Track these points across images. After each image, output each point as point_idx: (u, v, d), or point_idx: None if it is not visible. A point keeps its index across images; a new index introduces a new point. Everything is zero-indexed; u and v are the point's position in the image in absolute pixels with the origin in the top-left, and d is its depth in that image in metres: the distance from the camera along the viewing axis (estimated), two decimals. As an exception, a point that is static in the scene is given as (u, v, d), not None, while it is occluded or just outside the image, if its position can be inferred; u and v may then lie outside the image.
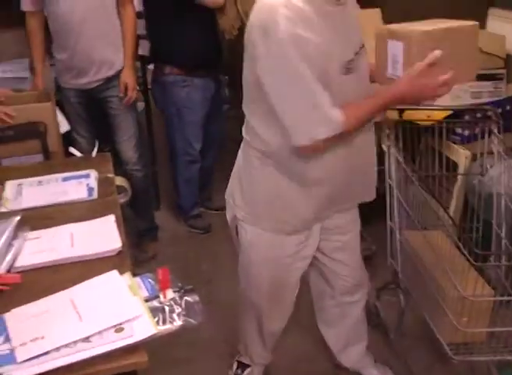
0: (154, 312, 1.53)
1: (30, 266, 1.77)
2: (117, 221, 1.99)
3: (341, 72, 1.81)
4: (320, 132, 1.76)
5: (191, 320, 1.54)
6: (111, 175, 2.35)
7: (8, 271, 1.72)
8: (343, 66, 1.81)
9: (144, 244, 3.68)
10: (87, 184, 2.26)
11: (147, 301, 1.57)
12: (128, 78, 3.19)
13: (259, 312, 2.35)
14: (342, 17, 1.86)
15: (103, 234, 1.91)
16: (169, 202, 4.31)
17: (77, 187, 2.25)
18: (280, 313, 2.39)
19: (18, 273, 1.70)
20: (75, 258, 1.81)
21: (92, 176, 2.31)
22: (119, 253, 1.83)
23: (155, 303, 1.57)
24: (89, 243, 1.87)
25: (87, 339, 1.42)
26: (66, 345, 1.40)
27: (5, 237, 1.76)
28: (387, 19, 3.15)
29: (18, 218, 1.90)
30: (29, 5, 3.16)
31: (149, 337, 1.44)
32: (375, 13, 3.31)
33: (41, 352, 1.38)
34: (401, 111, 2.63)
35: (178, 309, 1.56)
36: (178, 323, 1.52)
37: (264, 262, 2.17)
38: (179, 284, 1.63)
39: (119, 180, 2.38)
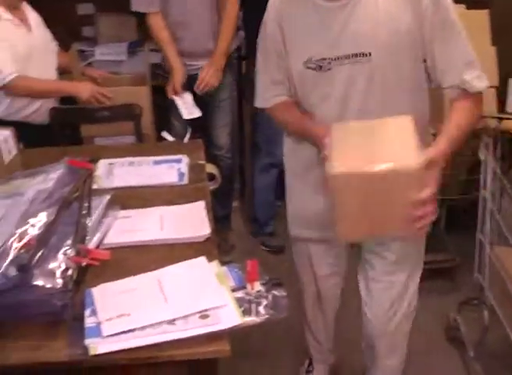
0: (240, 302, 1.50)
1: (118, 244, 1.77)
2: (206, 208, 1.98)
3: (305, 66, 1.86)
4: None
5: (277, 314, 1.50)
6: (202, 162, 2.34)
7: (97, 247, 1.73)
8: (310, 61, 1.84)
9: (224, 233, 3.67)
10: (178, 169, 2.25)
11: (233, 291, 1.54)
12: (210, 77, 3.14)
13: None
14: (338, 15, 1.79)
15: (192, 220, 1.90)
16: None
17: (168, 171, 2.25)
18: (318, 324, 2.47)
19: (106, 249, 1.71)
20: (163, 240, 1.81)
21: (184, 162, 2.30)
22: (207, 240, 1.81)
23: (241, 294, 1.54)
24: (178, 227, 1.87)
25: (172, 321, 1.40)
26: (151, 325, 1.39)
27: (96, 214, 1.76)
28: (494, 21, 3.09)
29: (109, 196, 1.90)
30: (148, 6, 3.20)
31: (234, 326, 1.42)
32: (482, 15, 3.20)
33: (127, 329, 1.37)
34: (500, 119, 2.55)
35: (264, 302, 1.53)
36: (263, 316, 1.49)
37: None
38: (267, 277, 1.60)
39: (210, 167, 2.37)
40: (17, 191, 1.68)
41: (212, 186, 2.33)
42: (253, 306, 1.51)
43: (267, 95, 2.05)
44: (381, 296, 2.20)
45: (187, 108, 2.49)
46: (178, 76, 3.07)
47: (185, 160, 2.32)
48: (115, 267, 1.66)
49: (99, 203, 1.83)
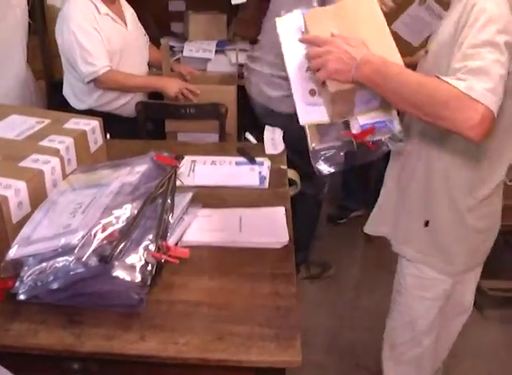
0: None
1: (196, 243, 1.77)
2: (286, 214, 1.95)
3: None
4: None
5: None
6: (284, 167, 2.32)
7: (176, 244, 1.73)
8: None
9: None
10: (260, 172, 2.24)
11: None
12: None
13: None
14: None
15: (271, 225, 1.89)
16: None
17: (250, 173, 2.24)
18: None
19: (184, 246, 1.71)
20: (241, 243, 1.80)
21: (265, 165, 2.29)
22: (285, 247, 1.80)
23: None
24: (257, 231, 1.86)
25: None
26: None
27: (178, 210, 1.76)
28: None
29: (191, 194, 1.90)
30: None
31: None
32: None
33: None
34: None
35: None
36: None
37: None
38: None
39: (291, 173, 2.34)
40: (103, 181, 1.69)
41: (292, 192, 2.29)
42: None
43: None
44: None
45: (273, 143, 2.46)
46: None
47: (267, 164, 2.31)
48: (191, 266, 1.67)
49: (181, 200, 1.83)
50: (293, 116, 2.88)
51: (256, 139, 2.59)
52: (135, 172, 1.70)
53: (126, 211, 1.50)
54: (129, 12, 3.06)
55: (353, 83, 1.53)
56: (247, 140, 2.61)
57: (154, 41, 3.92)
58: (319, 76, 1.55)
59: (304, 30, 1.65)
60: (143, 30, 3.19)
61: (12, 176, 1.69)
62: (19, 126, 2.05)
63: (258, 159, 2.33)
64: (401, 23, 2.78)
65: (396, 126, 1.63)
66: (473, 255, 1.91)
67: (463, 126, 1.39)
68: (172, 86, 2.85)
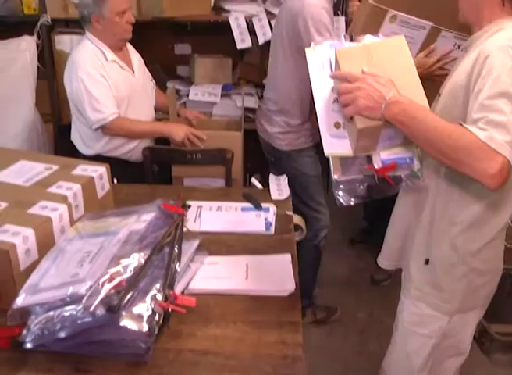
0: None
1: (203, 291, 1.77)
2: (292, 261, 1.96)
3: None
4: None
5: None
6: (290, 212, 2.33)
7: (183, 292, 1.73)
8: None
9: None
10: (266, 218, 2.25)
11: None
12: None
13: None
14: None
15: (278, 272, 1.89)
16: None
17: (256, 219, 2.25)
18: None
19: (191, 294, 1.71)
20: (247, 291, 1.80)
21: (271, 211, 2.30)
22: (291, 295, 1.80)
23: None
24: (263, 278, 1.86)
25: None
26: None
27: (185, 258, 1.77)
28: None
29: (198, 241, 1.91)
30: None
31: None
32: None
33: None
34: None
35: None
36: None
37: None
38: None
39: (296, 219, 2.35)
40: (110, 229, 1.70)
41: (298, 237, 2.30)
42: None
43: None
44: None
45: (279, 189, 2.49)
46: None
47: (272, 209, 2.32)
48: (198, 314, 1.68)
49: (188, 248, 1.84)
50: (291, 154, 2.94)
51: (262, 182, 2.61)
52: (142, 220, 1.71)
53: (134, 260, 1.51)
54: (136, 58, 3.10)
55: (381, 121, 1.57)
56: (252, 185, 2.62)
57: (161, 84, 3.98)
58: (348, 112, 1.59)
59: (334, 65, 1.69)
60: (149, 75, 3.24)
61: (20, 224, 1.71)
62: (27, 172, 2.07)
63: (264, 205, 2.34)
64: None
65: (416, 164, 1.68)
66: (471, 296, 1.91)
67: (483, 174, 1.45)
68: (178, 132, 2.88)
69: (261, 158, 3.31)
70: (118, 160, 2.91)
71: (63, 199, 1.88)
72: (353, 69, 1.62)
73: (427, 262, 1.90)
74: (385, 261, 2.19)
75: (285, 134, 2.96)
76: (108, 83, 2.83)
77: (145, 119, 3.05)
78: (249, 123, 3.50)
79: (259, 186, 2.59)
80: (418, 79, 1.64)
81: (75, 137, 3.09)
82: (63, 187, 1.96)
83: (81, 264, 1.54)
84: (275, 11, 3.71)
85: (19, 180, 2.01)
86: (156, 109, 3.24)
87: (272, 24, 3.66)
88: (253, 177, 2.61)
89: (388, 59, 1.65)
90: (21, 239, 1.64)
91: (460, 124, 1.51)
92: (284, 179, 2.60)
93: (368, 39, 1.76)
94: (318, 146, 2.72)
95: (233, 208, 2.34)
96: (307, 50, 1.75)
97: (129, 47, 3.11)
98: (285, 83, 2.89)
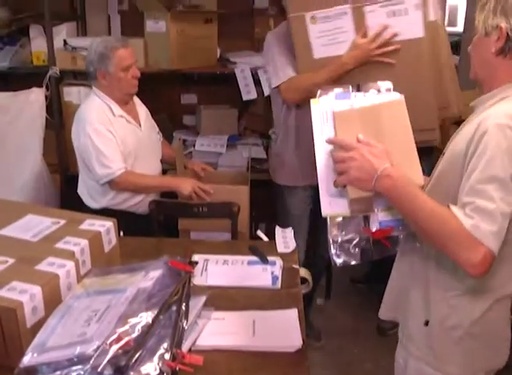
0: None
1: (210, 347, 1.77)
2: (299, 316, 1.95)
3: None
4: None
5: None
6: (296, 266, 2.33)
7: (190, 349, 1.73)
8: None
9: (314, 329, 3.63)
10: (272, 272, 2.25)
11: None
12: None
13: None
14: None
15: (284, 328, 1.88)
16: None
17: (262, 273, 2.25)
18: None
19: (198, 351, 1.70)
20: (254, 347, 1.79)
21: (277, 265, 2.30)
22: (298, 351, 1.79)
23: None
24: (270, 334, 1.85)
25: None
26: None
27: (192, 316, 1.77)
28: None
29: (205, 297, 1.91)
30: None
31: None
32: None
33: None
34: None
35: None
36: None
37: None
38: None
39: (303, 272, 2.35)
40: (117, 286, 1.71)
41: (304, 290, 2.29)
42: None
43: None
44: None
45: (285, 242, 2.51)
46: None
47: (279, 263, 2.32)
48: (205, 371, 1.65)
49: (195, 304, 1.84)
50: (285, 189, 2.98)
51: (267, 233, 2.62)
52: (149, 277, 1.71)
53: (142, 319, 1.51)
54: (143, 111, 3.15)
55: (372, 192, 1.59)
56: (258, 237, 2.63)
57: (167, 134, 4.02)
58: (341, 181, 1.62)
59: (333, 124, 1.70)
60: (156, 127, 3.27)
61: (27, 281, 1.71)
62: (35, 226, 2.08)
63: (270, 258, 2.35)
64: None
65: None
66: (470, 360, 1.86)
67: (465, 263, 1.48)
68: (185, 186, 2.90)
69: (266, 207, 3.34)
70: (124, 212, 2.93)
71: (71, 255, 1.89)
72: (350, 133, 1.63)
73: (426, 323, 1.86)
74: (384, 312, 2.13)
75: (279, 169, 3.24)
76: (115, 138, 2.86)
77: (152, 172, 3.08)
78: (255, 173, 3.52)
79: (265, 238, 2.60)
80: (414, 146, 1.65)
81: (82, 191, 3.11)
82: (71, 243, 1.96)
83: (88, 323, 1.54)
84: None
85: (26, 234, 2.02)
86: (162, 161, 3.26)
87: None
88: (258, 230, 2.62)
89: (385, 124, 1.66)
90: (28, 297, 1.63)
91: (448, 206, 1.52)
92: (290, 231, 2.61)
93: (371, 91, 1.77)
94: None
95: (240, 262, 2.34)
96: (312, 101, 1.75)
97: (136, 100, 3.15)
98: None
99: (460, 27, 10.28)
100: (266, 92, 3.80)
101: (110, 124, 2.87)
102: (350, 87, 1.80)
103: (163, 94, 4.39)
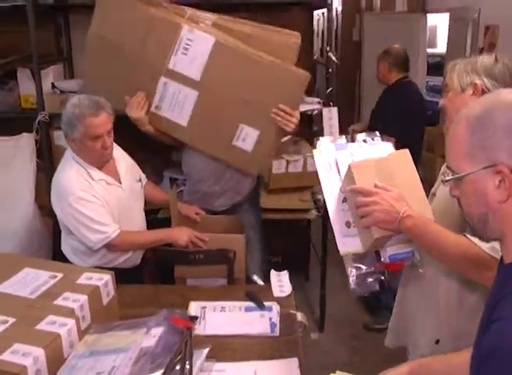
0: None
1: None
2: (300, 366, 1.97)
3: None
4: None
5: None
6: (293, 311, 2.35)
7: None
8: None
9: None
10: (270, 318, 2.26)
11: None
12: None
13: None
14: None
15: (286, 379, 1.90)
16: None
17: (260, 320, 2.26)
18: None
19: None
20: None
21: (274, 310, 2.31)
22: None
23: None
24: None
25: None
26: None
27: (196, 370, 1.77)
28: None
29: (207, 351, 1.91)
30: None
31: None
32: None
33: None
34: None
35: None
36: None
37: None
38: None
39: (300, 316, 2.37)
40: (119, 346, 1.72)
41: (300, 334, 2.30)
42: None
43: None
44: None
45: (280, 286, 2.53)
46: None
47: (275, 309, 2.33)
48: None
49: (197, 357, 1.83)
50: None
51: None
52: (151, 335, 1.73)
53: (147, 382, 1.53)
54: (123, 165, 2.97)
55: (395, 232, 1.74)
56: (253, 281, 2.65)
57: (156, 172, 4.04)
58: (366, 223, 1.76)
59: (345, 174, 1.87)
60: (136, 176, 3.10)
61: (29, 342, 1.72)
62: (32, 281, 2.09)
63: (267, 304, 2.36)
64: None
65: (417, 257, 1.85)
66: None
67: (490, 281, 1.53)
68: (181, 236, 2.85)
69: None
70: (115, 269, 2.46)
71: (70, 313, 1.90)
72: (367, 181, 1.77)
73: (437, 342, 2.01)
74: (391, 339, 2.32)
75: None
76: (100, 201, 2.72)
77: (136, 228, 2.98)
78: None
79: (260, 282, 2.62)
80: (423, 191, 1.81)
81: (66, 251, 2.94)
82: (69, 299, 1.97)
83: (94, 387, 1.55)
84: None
85: (24, 291, 2.03)
86: (150, 202, 3.22)
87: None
88: (254, 275, 2.64)
89: (396, 172, 1.81)
90: (31, 360, 1.64)
91: (465, 235, 1.66)
92: (285, 274, 2.64)
93: (360, 138, 1.96)
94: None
95: (237, 308, 2.35)
96: (314, 151, 1.93)
97: (115, 153, 2.93)
98: None
99: (439, 48, 10.46)
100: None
101: (91, 188, 2.72)
102: (344, 137, 1.96)
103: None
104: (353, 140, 1.96)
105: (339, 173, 1.88)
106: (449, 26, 7.37)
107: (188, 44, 2.87)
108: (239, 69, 2.88)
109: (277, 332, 2.20)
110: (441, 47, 10.11)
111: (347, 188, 1.82)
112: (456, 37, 7.01)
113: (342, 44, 8.44)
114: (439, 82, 8.60)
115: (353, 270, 1.89)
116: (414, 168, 1.84)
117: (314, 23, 4.42)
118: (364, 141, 1.94)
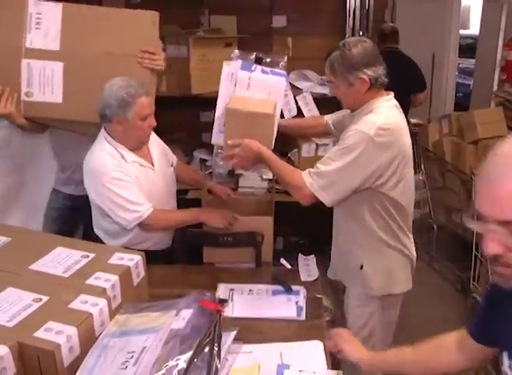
0: None
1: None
2: (325, 349, 2.00)
3: None
4: None
5: None
6: (319, 295, 2.38)
7: (220, 386, 1.77)
8: None
9: None
10: (297, 302, 2.30)
11: None
12: None
13: None
14: None
15: (311, 361, 1.94)
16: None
17: (287, 303, 2.30)
18: None
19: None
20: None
21: (301, 295, 2.35)
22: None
23: None
24: (296, 367, 1.90)
25: None
26: None
27: (224, 352, 1.81)
28: None
29: (235, 332, 1.94)
30: None
31: None
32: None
33: None
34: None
35: None
36: None
37: None
38: None
39: (325, 301, 2.40)
40: (150, 326, 1.75)
41: (326, 318, 2.34)
42: None
43: None
44: None
45: (308, 270, 2.56)
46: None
47: (302, 293, 2.36)
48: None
49: (225, 340, 1.86)
50: None
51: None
52: (181, 317, 1.75)
53: (179, 362, 1.55)
54: (156, 150, 3.02)
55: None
56: (280, 264, 2.68)
57: (187, 152, 4.07)
58: (231, 163, 2.51)
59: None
60: (170, 159, 3.16)
61: (62, 321, 1.75)
62: (64, 260, 2.12)
63: (294, 287, 2.39)
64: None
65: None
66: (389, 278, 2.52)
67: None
68: (218, 219, 2.83)
69: (286, 225, 3.40)
70: (146, 251, 2.50)
71: (102, 292, 1.93)
72: (234, 124, 2.37)
73: (361, 267, 2.51)
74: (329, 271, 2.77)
75: None
76: (132, 180, 2.77)
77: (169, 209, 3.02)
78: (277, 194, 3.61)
79: (287, 265, 2.65)
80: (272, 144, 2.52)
81: (98, 232, 2.99)
82: (101, 279, 2.01)
83: (125, 366, 1.58)
84: (302, 85, 3.86)
85: (57, 270, 2.06)
86: (181, 182, 3.25)
87: (297, 99, 3.82)
88: (282, 258, 2.67)
89: (257, 128, 2.37)
90: (65, 338, 1.68)
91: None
92: (312, 258, 2.66)
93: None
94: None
95: (264, 292, 2.39)
96: (225, 62, 2.51)
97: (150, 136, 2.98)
98: None
99: (472, 30, 10.27)
100: (286, 116, 3.85)
101: (124, 169, 2.76)
102: (254, 55, 2.57)
103: (182, 112, 4.43)
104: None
105: (235, 86, 2.44)
106: (483, 7, 7.24)
107: (38, 18, 2.81)
108: (92, 25, 2.83)
109: (303, 316, 2.24)
110: (474, 28, 9.93)
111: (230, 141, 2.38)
112: (489, 18, 6.88)
113: (373, 25, 8.36)
114: (471, 64, 8.48)
115: (220, 151, 2.56)
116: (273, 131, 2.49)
117: (347, 2, 4.40)
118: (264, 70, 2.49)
